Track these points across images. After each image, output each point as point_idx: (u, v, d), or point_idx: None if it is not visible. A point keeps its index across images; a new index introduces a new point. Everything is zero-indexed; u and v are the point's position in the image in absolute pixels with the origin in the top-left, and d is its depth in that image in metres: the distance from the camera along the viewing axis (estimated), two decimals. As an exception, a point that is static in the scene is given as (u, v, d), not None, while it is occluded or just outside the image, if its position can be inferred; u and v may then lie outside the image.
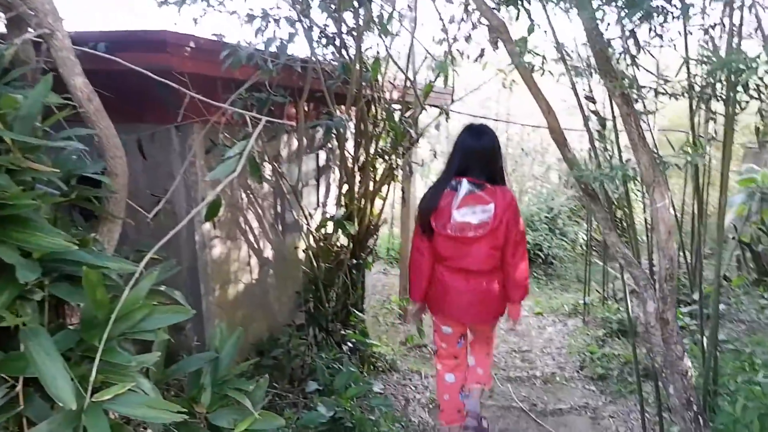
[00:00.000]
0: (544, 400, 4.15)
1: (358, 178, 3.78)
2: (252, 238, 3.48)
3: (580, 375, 4.58)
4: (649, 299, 2.29)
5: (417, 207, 3.03)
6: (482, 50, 3.59)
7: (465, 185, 2.76)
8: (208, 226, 2.99)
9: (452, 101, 4.08)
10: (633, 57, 2.18)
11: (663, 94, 2.16)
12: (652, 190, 2.21)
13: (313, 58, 3.03)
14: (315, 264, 3.74)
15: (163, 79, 1.94)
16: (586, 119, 2.78)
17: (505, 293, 2.97)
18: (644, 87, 2.13)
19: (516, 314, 3.07)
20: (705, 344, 2.73)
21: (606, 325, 5.34)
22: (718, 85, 2.04)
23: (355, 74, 3.19)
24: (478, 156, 2.79)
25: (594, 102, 2.91)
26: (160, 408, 1.42)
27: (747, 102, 2.04)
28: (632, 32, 2.32)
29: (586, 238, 8.93)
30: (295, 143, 3.69)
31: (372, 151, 3.74)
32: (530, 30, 2.42)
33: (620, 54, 2.22)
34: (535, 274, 8.08)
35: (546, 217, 8.91)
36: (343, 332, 3.92)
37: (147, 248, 2.28)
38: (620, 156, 2.56)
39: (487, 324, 3.11)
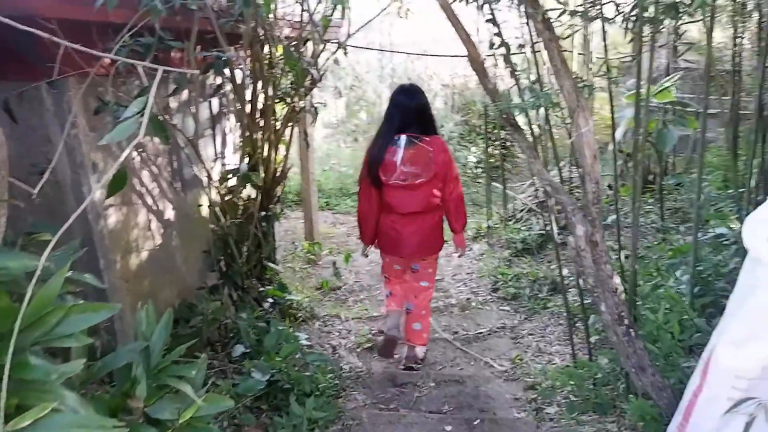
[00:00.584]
0: (465, 327, 4.26)
1: (259, 125, 3.51)
2: (150, 201, 3.15)
3: (493, 297, 4.74)
4: (578, 223, 2.32)
5: (365, 160, 3.36)
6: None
7: (404, 140, 3.17)
8: (99, 194, 2.66)
9: (349, 35, 3.84)
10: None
11: (596, 18, 2.12)
12: (576, 115, 2.20)
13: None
14: (222, 220, 3.49)
15: (24, 27, 1.59)
16: (498, 47, 2.70)
17: (442, 226, 3.47)
18: (578, 12, 2.07)
19: (462, 242, 3.58)
20: (622, 258, 2.87)
21: (510, 246, 5.52)
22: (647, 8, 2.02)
23: (251, 10, 2.87)
24: (413, 113, 3.22)
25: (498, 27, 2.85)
26: (93, 427, 1.22)
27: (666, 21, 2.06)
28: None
29: (475, 162, 9.19)
30: (184, 93, 3.33)
31: (271, 93, 3.47)
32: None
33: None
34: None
35: (437, 144, 8.99)
36: (260, 288, 3.74)
37: (34, 228, 1.97)
38: (540, 83, 2.52)
39: (434, 254, 3.54)
